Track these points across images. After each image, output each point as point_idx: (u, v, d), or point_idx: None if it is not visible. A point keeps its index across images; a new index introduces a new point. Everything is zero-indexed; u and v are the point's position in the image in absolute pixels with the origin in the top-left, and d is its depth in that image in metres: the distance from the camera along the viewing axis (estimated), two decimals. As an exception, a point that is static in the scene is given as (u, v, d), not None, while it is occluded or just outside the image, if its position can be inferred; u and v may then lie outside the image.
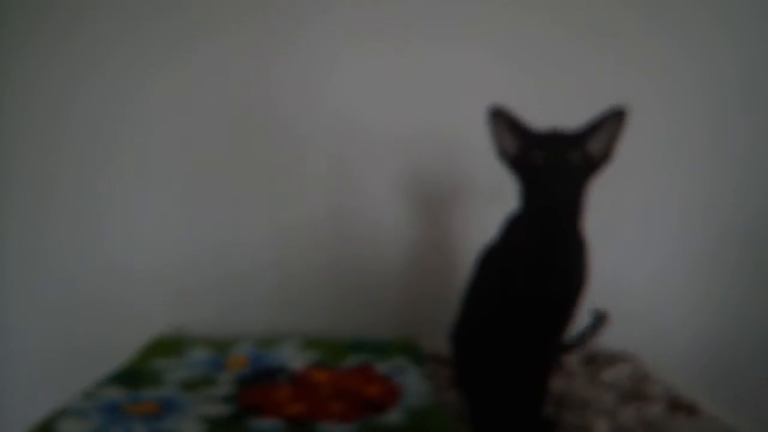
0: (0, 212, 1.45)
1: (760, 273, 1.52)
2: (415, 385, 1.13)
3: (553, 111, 0.98)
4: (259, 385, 1.15)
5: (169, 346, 1.33)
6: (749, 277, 1.52)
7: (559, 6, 1.42)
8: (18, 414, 0.92)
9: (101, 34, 1.40)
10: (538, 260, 0.92)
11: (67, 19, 1.40)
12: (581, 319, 1.02)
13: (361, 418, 1.00)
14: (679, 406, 1.10)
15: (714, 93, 1.46)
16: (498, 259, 1.00)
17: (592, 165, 0.93)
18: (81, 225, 1.46)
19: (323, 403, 1.06)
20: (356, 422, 0.98)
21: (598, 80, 1.41)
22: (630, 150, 1.41)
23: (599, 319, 1.11)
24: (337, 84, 1.43)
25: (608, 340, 1.41)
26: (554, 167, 0.90)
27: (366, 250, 1.48)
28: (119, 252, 1.47)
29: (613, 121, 0.92)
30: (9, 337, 1.48)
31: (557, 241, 0.93)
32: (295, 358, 1.28)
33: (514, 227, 0.99)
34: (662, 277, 1.51)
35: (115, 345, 1.26)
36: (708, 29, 1.45)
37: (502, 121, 0.95)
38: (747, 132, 1.48)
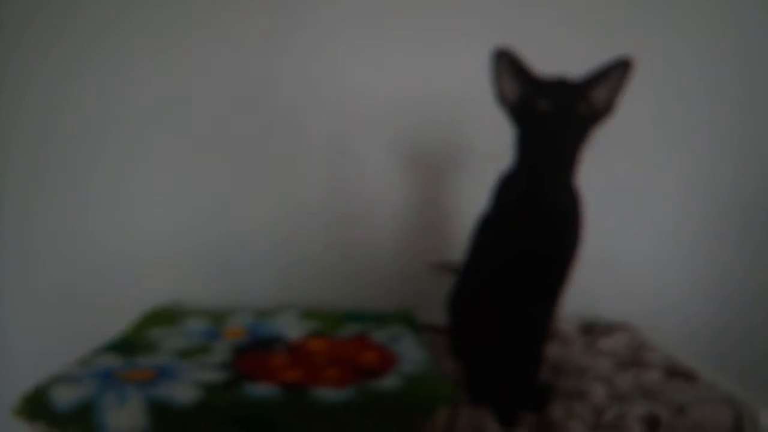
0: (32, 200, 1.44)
1: (758, 252, 1.51)
2: (411, 353, 1.12)
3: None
4: (255, 353, 1.14)
5: (165, 316, 1.33)
6: (747, 255, 1.52)
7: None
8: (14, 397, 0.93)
9: (97, 23, 1.38)
10: (534, 216, 0.91)
11: (63, 10, 1.38)
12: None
13: (357, 383, 0.99)
14: (677, 372, 1.10)
15: (710, 74, 1.45)
16: (492, 221, 0.99)
17: (596, 116, 0.90)
18: (75, 211, 1.45)
19: (319, 369, 1.06)
20: (352, 387, 0.97)
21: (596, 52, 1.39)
22: (629, 129, 1.41)
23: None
24: (332, 61, 1.41)
25: (608, 317, 1.43)
26: (561, 116, 0.87)
27: (364, 226, 1.47)
28: (117, 238, 1.46)
29: (618, 71, 0.90)
30: (3, 327, 1.47)
31: (554, 196, 0.91)
32: (292, 328, 1.27)
33: (507, 185, 0.97)
34: (661, 256, 1.51)
35: (111, 330, 1.24)
36: (703, 11, 1.43)
37: (507, 63, 0.91)
38: (743, 111, 1.47)
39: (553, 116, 0.87)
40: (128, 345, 1.16)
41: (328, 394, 0.95)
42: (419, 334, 1.25)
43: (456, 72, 1.37)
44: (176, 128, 1.43)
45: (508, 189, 0.96)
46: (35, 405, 0.91)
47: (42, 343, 1.45)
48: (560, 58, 0.95)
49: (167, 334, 1.23)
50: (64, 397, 0.91)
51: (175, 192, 1.45)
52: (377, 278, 1.47)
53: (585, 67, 0.91)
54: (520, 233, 0.92)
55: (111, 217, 1.45)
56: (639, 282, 1.49)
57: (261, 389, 0.96)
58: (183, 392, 0.94)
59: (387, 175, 1.45)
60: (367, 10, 1.40)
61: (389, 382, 0.99)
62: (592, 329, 1.35)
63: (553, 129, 0.88)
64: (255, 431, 0.91)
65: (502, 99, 0.93)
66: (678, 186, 1.49)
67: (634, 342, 1.26)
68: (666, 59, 1.43)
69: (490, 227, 0.99)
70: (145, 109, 1.42)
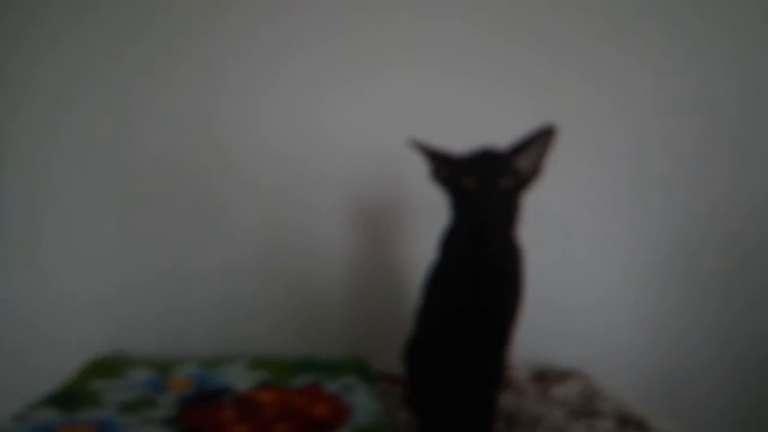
0: None
1: (704, 295, 1.54)
2: (364, 404, 1.10)
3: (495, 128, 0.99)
4: (202, 407, 1.11)
5: (108, 367, 1.28)
6: (693, 299, 1.54)
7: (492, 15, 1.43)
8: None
9: (33, 66, 1.37)
10: (473, 273, 0.93)
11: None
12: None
13: (308, 439, 0.96)
14: (628, 421, 1.10)
15: (670, 114, 1.49)
16: (438, 274, 1.00)
17: (522, 182, 0.94)
18: (18, 253, 1.40)
19: (269, 424, 1.03)
20: (303, 443, 0.94)
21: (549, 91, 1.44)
22: (577, 172, 1.46)
23: None
24: (285, 109, 1.42)
25: (558, 360, 1.44)
26: (485, 191, 0.90)
27: (312, 270, 1.45)
28: (53, 285, 1.41)
29: (542, 138, 0.93)
30: None
31: (490, 254, 0.93)
32: (241, 379, 1.24)
33: (449, 239, 0.99)
34: (610, 301, 1.52)
35: (49, 381, 1.19)
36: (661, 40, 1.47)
37: (423, 152, 0.97)
38: (698, 157, 1.51)
39: (479, 192, 0.90)
40: (68, 398, 1.11)
41: (278, 450, 0.92)
42: (373, 383, 1.22)
43: (404, 123, 1.37)
44: (117, 172, 1.40)
45: (450, 244, 0.98)
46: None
47: None
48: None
49: (109, 386, 1.18)
50: (-3, 457, 0.86)
51: (116, 235, 1.41)
52: (327, 325, 1.45)
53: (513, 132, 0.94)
54: (460, 289, 0.93)
55: (47, 264, 1.40)
56: (587, 325, 1.50)
57: (208, 446, 0.92)
58: (125, 450, 0.90)
59: (336, 221, 1.44)
60: (317, 60, 1.41)
61: (342, 436, 0.97)
62: (544, 377, 1.35)
63: (480, 203, 0.91)
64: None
65: (434, 177, 0.98)
66: (628, 233, 1.51)
67: (586, 390, 1.26)
68: (623, 99, 1.47)
69: (437, 279, 1.00)
70: (81, 153, 1.39)
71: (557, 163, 0.96)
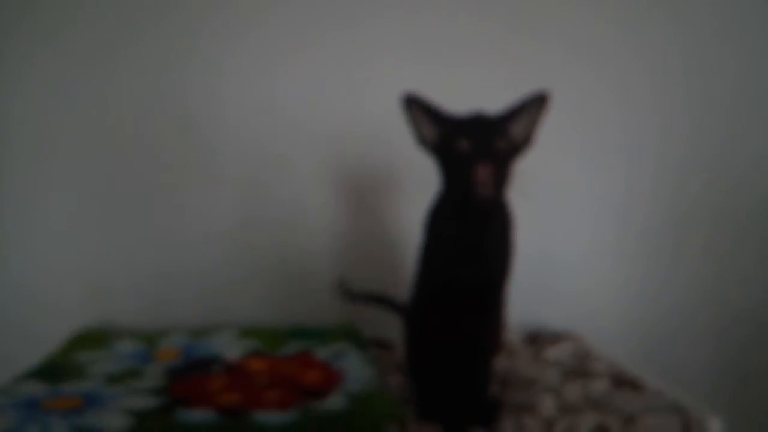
0: None
1: (696, 255, 1.54)
2: (356, 370, 1.08)
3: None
4: (190, 376, 1.08)
5: (93, 339, 1.25)
6: (685, 259, 1.54)
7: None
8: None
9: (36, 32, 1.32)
10: (465, 245, 0.90)
11: None
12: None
13: (300, 405, 0.94)
14: (623, 381, 1.09)
15: (659, 79, 1.47)
16: (427, 247, 0.97)
17: (515, 150, 0.90)
18: (14, 227, 1.36)
19: (259, 391, 1.01)
20: (294, 410, 0.92)
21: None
22: (566, 130, 1.43)
23: None
24: (268, 80, 1.38)
25: (547, 320, 1.44)
26: (481, 155, 0.86)
27: (301, 239, 1.43)
28: (37, 258, 1.37)
29: (535, 105, 0.90)
30: None
31: (483, 225, 0.90)
32: (230, 348, 1.22)
33: (438, 213, 0.95)
34: (600, 261, 1.51)
35: (35, 355, 1.16)
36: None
37: (418, 109, 0.91)
38: (689, 119, 1.49)
39: (473, 155, 0.86)
40: (53, 371, 1.08)
41: (269, 417, 0.90)
42: (365, 349, 1.21)
43: (391, 91, 1.34)
44: (98, 141, 1.36)
45: (438, 216, 0.95)
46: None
47: None
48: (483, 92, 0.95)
49: (95, 358, 1.16)
50: (-20, 429, 0.84)
51: (99, 204, 1.38)
52: (317, 294, 1.42)
53: (502, 101, 0.91)
54: (449, 261, 0.91)
55: (30, 236, 1.37)
56: (572, 283, 1.49)
57: (197, 415, 0.90)
58: (112, 420, 0.88)
59: (324, 189, 1.42)
60: (292, 29, 1.37)
61: (334, 402, 0.95)
62: (537, 339, 1.34)
63: (475, 165, 0.85)
64: (192, 460, 0.85)
65: (422, 141, 0.93)
66: (622, 195, 1.50)
67: (579, 351, 1.26)
68: (614, 67, 1.45)
69: (426, 250, 0.97)
70: (56, 127, 1.35)
71: (548, 121, 0.94)
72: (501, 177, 0.89)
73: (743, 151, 1.52)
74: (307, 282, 1.43)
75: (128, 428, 0.86)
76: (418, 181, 1.32)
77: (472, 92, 1.00)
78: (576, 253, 1.50)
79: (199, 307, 1.41)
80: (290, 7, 1.36)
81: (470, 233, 0.90)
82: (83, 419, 0.88)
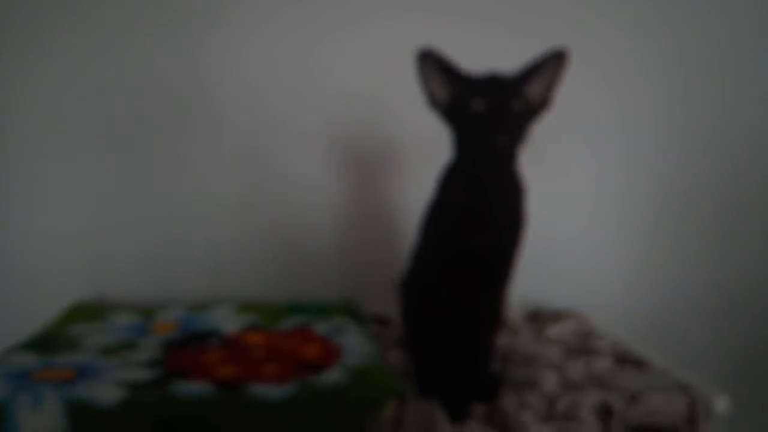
0: None
1: (700, 235, 1.51)
2: (355, 345, 1.06)
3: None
4: (187, 349, 1.06)
5: (88, 312, 1.23)
6: (689, 238, 1.51)
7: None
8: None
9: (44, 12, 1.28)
10: (476, 214, 0.87)
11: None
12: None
13: (298, 378, 0.92)
14: (627, 360, 1.07)
15: (656, 64, 1.44)
16: (436, 216, 0.93)
17: (533, 112, 0.86)
18: (8, 198, 1.33)
19: (256, 365, 0.98)
20: (292, 383, 0.90)
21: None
22: (569, 109, 1.40)
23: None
24: (260, 49, 1.34)
25: (549, 298, 1.41)
26: (496, 115, 0.82)
27: (301, 216, 1.40)
28: (33, 228, 1.34)
29: (553, 64, 0.86)
30: None
31: (495, 193, 0.87)
32: (228, 322, 1.19)
33: (449, 181, 0.92)
34: (594, 235, 1.48)
35: (30, 328, 1.14)
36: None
37: (433, 65, 0.86)
38: (690, 99, 1.46)
39: (489, 115, 0.82)
40: (47, 343, 1.05)
41: (265, 391, 0.87)
42: (364, 324, 1.18)
43: (394, 59, 1.30)
44: (89, 113, 1.32)
45: (450, 183, 0.91)
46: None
47: None
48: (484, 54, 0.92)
49: (90, 330, 1.13)
50: (-30, 400, 0.81)
51: (99, 179, 1.35)
52: (317, 272, 1.40)
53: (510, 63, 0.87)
54: (463, 231, 0.87)
55: (28, 211, 1.34)
56: (573, 261, 1.46)
57: (192, 387, 0.88)
58: (105, 392, 0.85)
59: (324, 164, 1.38)
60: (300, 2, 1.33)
61: (332, 376, 0.93)
62: (538, 317, 1.32)
63: (490, 129, 0.82)
64: (187, 430, 0.82)
65: (433, 102, 0.88)
66: (625, 173, 1.47)
67: (582, 329, 1.23)
68: (609, 50, 1.41)
69: (434, 219, 0.94)
70: (56, 100, 1.31)
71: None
72: (516, 139, 0.85)
73: (744, 129, 1.49)
74: (308, 259, 1.40)
75: (122, 400, 0.84)
76: (419, 158, 1.31)
77: (481, 59, 0.96)
78: (578, 232, 1.47)
79: (199, 284, 1.38)
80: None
81: (482, 200, 0.87)
82: (75, 390, 0.85)
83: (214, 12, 1.32)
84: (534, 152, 1.20)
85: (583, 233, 1.47)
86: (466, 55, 0.89)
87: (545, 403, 0.91)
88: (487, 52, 0.97)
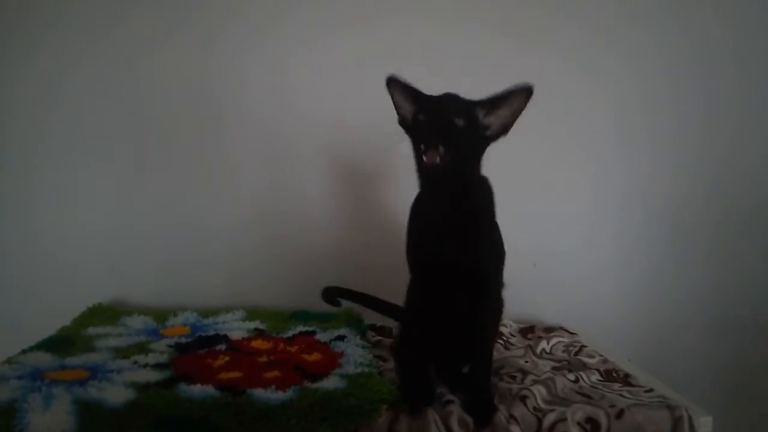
0: None
1: (687, 255, 1.51)
2: (355, 354, 1.06)
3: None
4: (195, 353, 1.06)
5: (105, 314, 1.24)
6: (677, 259, 1.51)
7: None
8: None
9: (38, 19, 1.31)
10: (436, 225, 0.90)
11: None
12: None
13: (299, 385, 0.92)
14: (614, 376, 1.06)
15: (646, 85, 1.44)
16: (409, 234, 0.97)
17: (488, 135, 0.88)
18: (13, 209, 1.35)
19: (260, 370, 0.98)
20: (293, 389, 0.90)
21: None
22: (565, 127, 1.41)
23: None
24: (271, 68, 1.37)
25: (539, 311, 1.41)
26: (437, 127, 0.84)
27: (309, 230, 1.41)
28: (56, 236, 1.36)
29: (517, 96, 0.88)
30: None
31: (448, 209, 0.88)
32: (236, 328, 1.20)
33: (417, 198, 0.96)
34: (589, 249, 1.48)
35: (49, 330, 1.14)
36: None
37: (398, 87, 0.91)
38: (677, 123, 1.47)
39: (431, 126, 0.85)
40: (62, 343, 1.06)
41: (267, 395, 0.88)
42: (364, 334, 1.18)
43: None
44: (119, 128, 1.35)
45: (417, 199, 0.95)
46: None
47: None
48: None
49: (105, 332, 1.14)
50: (-15, 397, 0.82)
51: (118, 191, 1.37)
52: (322, 282, 1.40)
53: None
54: (408, 242, 0.93)
55: (50, 215, 1.35)
56: (568, 275, 1.46)
57: (196, 390, 0.88)
58: (114, 393, 0.85)
59: (327, 178, 1.40)
60: (318, 13, 1.35)
61: (331, 383, 0.93)
62: (531, 331, 1.32)
63: (431, 138, 0.84)
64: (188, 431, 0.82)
65: (401, 121, 0.92)
66: (620, 191, 1.47)
67: (572, 345, 1.22)
68: (606, 71, 1.43)
69: (408, 241, 0.97)
70: (86, 108, 1.33)
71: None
72: (460, 155, 0.86)
73: (735, 149, 1.50)
74: (314, 269, 1.40)
75: (129, 401, 0.84)
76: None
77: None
78: (573, 246, 1.47)
79: (214, 292, 1.39)
80: (303, 11, 1.35)
81: (441, 211, 0.89)
82: (86, 391, 0.85)
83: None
84: (530, 167, 1.22)
85: (578, 248, 1.47)
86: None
87: (533, 417, 0.91)
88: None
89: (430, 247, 0.91)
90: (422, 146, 0.85)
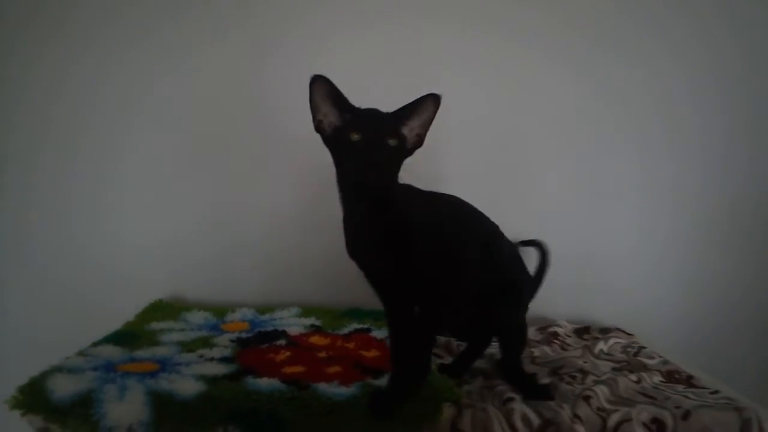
0: (28, 195, 1.36)
1: (729, 253, 1.46)
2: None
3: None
4: (257, 347, 1.07)
5: (166, 309, 1.26)
6: (718, 254, 1.46)
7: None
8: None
9: (87, 21, 1.33)
10: (356, 230, 0.89)
11: (57, 8, 1.32)
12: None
13: (360, 381, 0.91)
14: (677, 377, 1.03)
15: (698, 91, 1.41)
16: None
17: (407, 148, 0.86)
18: (77, 208, 1.37)
19: (321, 366, 0.99)
20: (355, 385, 0.90)
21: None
22: (616, 131, 1.38)
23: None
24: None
25: (592, 313, 1.39)
26: (371, 147, 0.82)
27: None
28: (122, 231, 1.38)
29: (427, 105, 0.85)
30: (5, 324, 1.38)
31: (368, 217, 0.87)
32: (293, 324, 1.21)
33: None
34: (655, 262, 1.45)
35: (111, 325, 1.15)
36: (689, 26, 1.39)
37: (323, 90, 0.85)
38: (725, 122, 1.42)
39: (365, 147, 0.82)
40: (129, 337, 1.08)
41: (331, 389, 0.88)
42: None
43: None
44: (179, 127, 1.36)
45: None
46: (31, 397, 0.82)
47: (43, 339, 1.32)
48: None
49: (168, 326, 1.16)
50: (62, 389, 0.83)
51: (174, 191, 1.38)
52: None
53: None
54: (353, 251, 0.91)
55: (112, 215, 1.38)
56: (618, 278, 1.43)
57: (263, 383, 0.88)
58: (185, 385, 0.86)
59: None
60: (365, 24, 1.35)
61: (392, 380, 0.92)
62: (586, 331, 1.29)
63: (364, 159, 0.82)
64: (259, 425, 0.82)
65: (319, 127, 0.87)
66: (671, 195, 1.43)
67: (630, 346, 1.20)
68: (657, 74, 1.39)
69: None
70: (147, 110, 1.35)
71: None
72: (389, 168, 0.85)
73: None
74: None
75: (200, 393, 0.85)
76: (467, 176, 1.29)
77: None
78: (625, 249, 1.43)
79: (262, 289, 1.40)
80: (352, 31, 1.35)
81: (359, 215, 0.88)
82: (157, 382, 0.86)
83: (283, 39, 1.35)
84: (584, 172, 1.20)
85: (630, 250, 1.44)
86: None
87: (598, 417, 0.89)
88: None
89: (367, 262, 0.91)
90: (356, 166, 0.83)
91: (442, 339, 1.21)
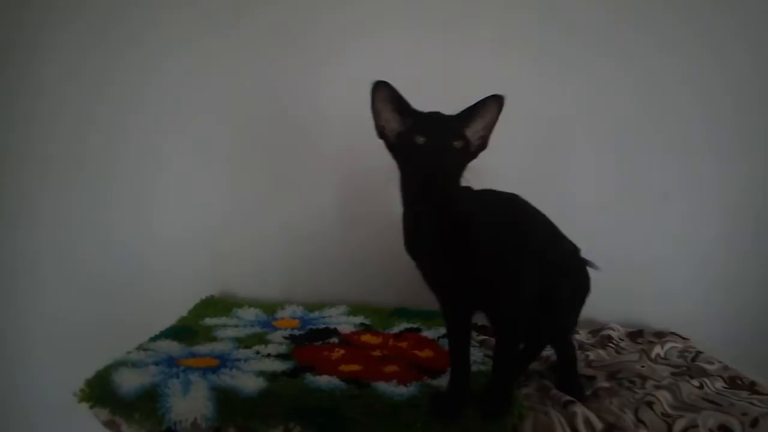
0: (69, 191, 1.38)
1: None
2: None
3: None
4: (311, 345, 1.06)
5: (217, 306, 1.26)
6: (765, 256, 1.41)
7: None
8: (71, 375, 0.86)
9: (132, 23, 1.34)
10: (415, 247, 0.87)
11: (98, 12, 1.34)
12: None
13: (419, 381, 0.90)
14: (740, 383, 1.00)
15: (736, 88, 1.36)
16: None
17: (471, 150, 0.83)
18: (129, 206, 1.38)
19: (378, 364, 0.97)
20: (413, 385, 0.88)
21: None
22: (661, 135, 1.35)
23: None
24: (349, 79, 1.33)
25: (638, 317, 1.35)
26: (437, 150, 0.79)
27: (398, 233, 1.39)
28: (172, 229, 1.39)
29: (490, 107, 0.82)
30: (61, 318, 1.40)
31: (433, 224, 0.83)
32: (342, 322, 1.20)
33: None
34: (689, 256, 1.40)
35: (159, 322, 1.14)
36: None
37: (385, 96, 0.83)
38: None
39: (430, 150, 0.79)
40: (185, 333, 1.08)
41: (391, 389, 0.86)
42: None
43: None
44: (231, 130, 1.37)
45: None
46: (99, 390, 0.83)
47: (97, 334, 1.35)
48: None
49: (222, 323, 1.16)
50: (128, 382, 0.83)
51: (225, 192, 1.39)
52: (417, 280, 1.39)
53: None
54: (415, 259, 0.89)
55: (166, 212, 1.39)
56: (662, 283, 1.39)
57: (324, 381, 0.88)
58: (247, 381, 0.86)
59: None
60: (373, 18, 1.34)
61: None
62: (640, 335, 1.26)
63: (429, 162, 0.79)
64: (320, 421, 0.81)
65: (382, 133, 0.85)
66: (716, 196, 1.40)
67: (687, 351, 1.16)
68: (699, 74, 1.36)
69: None
70: (201, 110, 1.36)
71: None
72: (455, 171, 0.82)
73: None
74: (409, 268, 1.38)
75: (262, 389, 0.84)
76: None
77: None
78: (673, 253, 1.40)
79: (307, 286, 1.39)
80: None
81: (421, 217, 0.85)
82: (219, 378, 0.86)
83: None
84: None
85: (678, 254, 1.40)
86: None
87: (663, 422, 0.86)
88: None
89: (429, 265, 0.88)
90: (422, 170, 0.81)
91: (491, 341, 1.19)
